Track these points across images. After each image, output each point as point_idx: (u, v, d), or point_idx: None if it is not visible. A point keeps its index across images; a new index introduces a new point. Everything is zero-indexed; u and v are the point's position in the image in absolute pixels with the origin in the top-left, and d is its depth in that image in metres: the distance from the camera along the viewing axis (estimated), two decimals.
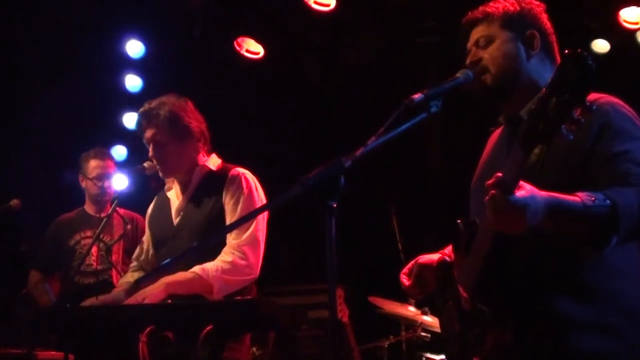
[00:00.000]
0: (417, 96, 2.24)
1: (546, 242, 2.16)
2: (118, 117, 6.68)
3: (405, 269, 2.64)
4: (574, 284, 2.19)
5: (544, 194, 1.99)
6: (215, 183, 3.51)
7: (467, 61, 2.49)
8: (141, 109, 3.57)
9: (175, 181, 3.66)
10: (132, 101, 6.73)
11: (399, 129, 2.18)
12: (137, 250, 3.80)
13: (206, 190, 3.53)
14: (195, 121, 3.58)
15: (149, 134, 3.54)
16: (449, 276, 2.44)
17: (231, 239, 3.37)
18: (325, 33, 6.29)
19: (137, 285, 3.28)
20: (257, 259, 3.38)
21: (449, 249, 2.53)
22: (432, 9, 6.15)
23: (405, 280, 2.62)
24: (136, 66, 6.66)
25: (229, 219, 3.40)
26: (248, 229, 3.36)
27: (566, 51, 1.87)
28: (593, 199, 2.01)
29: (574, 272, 2.20)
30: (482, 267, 2.16)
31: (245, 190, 3.44)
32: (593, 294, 2.19)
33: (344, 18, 6.09)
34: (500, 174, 1.94)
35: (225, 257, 3.31)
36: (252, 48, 6.54)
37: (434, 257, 2.59)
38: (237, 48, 6.52)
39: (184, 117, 3.53)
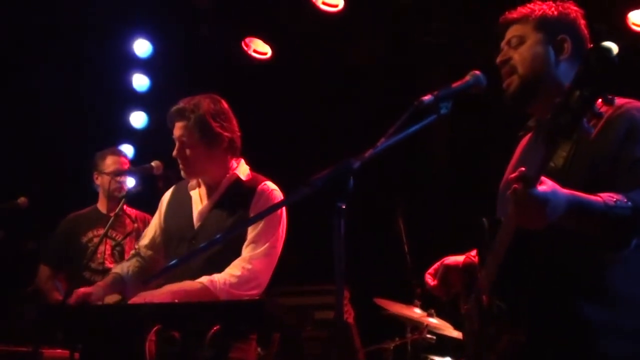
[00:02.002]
0: (427, 98, 2.25)
1: (566, 242, 2.17)
2: (125, 116, 6.70)
3: (431, 269, 2.66)
4: (593, 285, 2.20)
5: (565, 191, 2.03)
6: (243, 195, 3.44)
7: (498, 60, 2.51)
8: (175, 106, 3.47)
9: (201, 182, 3.57)
10: (140, 100, 6.76)
11: (408, 131, 2.18)
12: (143, 233, 3.72)
13: (233, 201, 3.45)
14: (227, 131, 3.47)
15: (177, 132, 3.46)
16: (474, 278, 2.45)
17: (245, 252, 3.33)
18: (333, 34, 6.29)
19: (145, 284, 3.28)
20: (265, 276, 3.35)
21: (474, 252, 2.54)
22: (439, 10, 6.15)
23: (430, 280, 2.64)
24: (144, 65, 6.68)
25: (250, 234, 3.36)
26: (264, 244, 3.33)
27: (590, 46, 1.88)
28: (615, 199, 2.05)
29: (594, 274, 2.20)
30: (501, 263, 2.18)
31: None
32: (613, 296, 2.19)
33: (352, 19, 6.08)
34: (523, 169, 1.98)
35: (234, 270, 3.27)
36: (259, 48, 6.56)
37: (460, 258, 2.61)
38: (245, 48, 6.53)
39: (215, 125, 3.43)
